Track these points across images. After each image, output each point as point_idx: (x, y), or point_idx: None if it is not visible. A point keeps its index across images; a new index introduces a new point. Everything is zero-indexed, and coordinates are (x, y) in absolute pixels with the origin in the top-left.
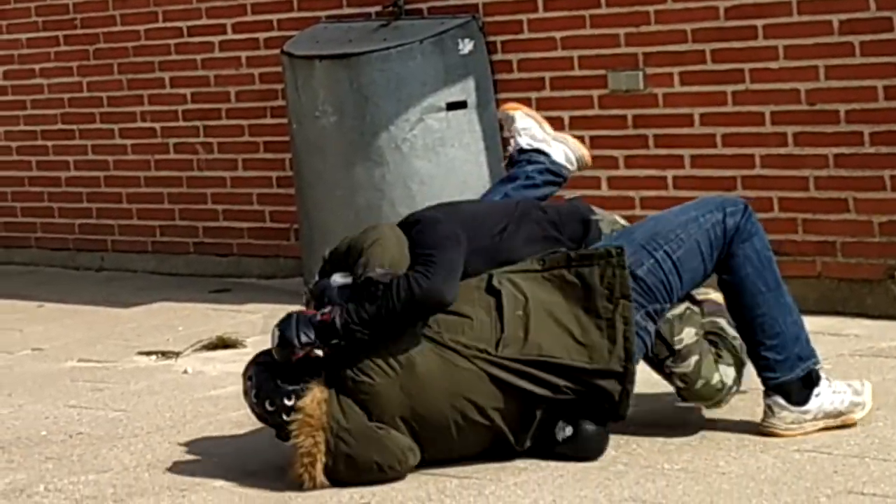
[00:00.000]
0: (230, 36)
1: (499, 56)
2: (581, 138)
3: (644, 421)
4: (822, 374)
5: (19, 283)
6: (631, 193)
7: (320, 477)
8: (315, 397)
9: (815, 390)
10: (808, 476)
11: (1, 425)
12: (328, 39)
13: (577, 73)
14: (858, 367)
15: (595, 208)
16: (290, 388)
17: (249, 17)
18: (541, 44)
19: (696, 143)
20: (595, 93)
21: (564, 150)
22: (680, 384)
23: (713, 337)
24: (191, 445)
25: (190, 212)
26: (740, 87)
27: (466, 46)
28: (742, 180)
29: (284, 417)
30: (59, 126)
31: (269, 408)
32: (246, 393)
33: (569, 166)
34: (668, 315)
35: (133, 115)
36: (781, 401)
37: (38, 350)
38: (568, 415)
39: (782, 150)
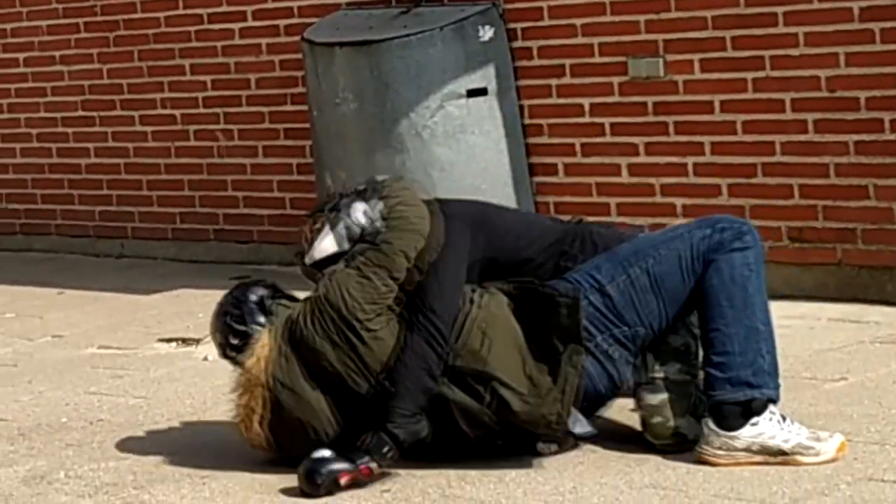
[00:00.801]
0: (250, 23)
1: (519, 43)
2: (601, 125)
3: None
4: (774, 411)
5: (39, 270)
6: (651, 180)
7: (256, 428)
8: (258, 356)
9: (754, 419)
10: (829, 463)
11: (21, 412)
12: (348, 26)
13: (597, 59)
14: (879, 354)
15: None
16: (239, 328)
17: (270, 5)
18: (561, 31)
19: (717, 130)
20: (615, 80)
21: None
22: (641, 412)
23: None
24: (211, 432)
25: (210, 199)
26: (761, 74)
27: (487, 33)
28: (762, 167)
29: (229, 354)
30: (80, 113)
31: (219, 339)
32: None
33: None
34: (667, 343)
35: (153, 102)
36: (711, 423)
37: (59, 337)
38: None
39: (803, 137)
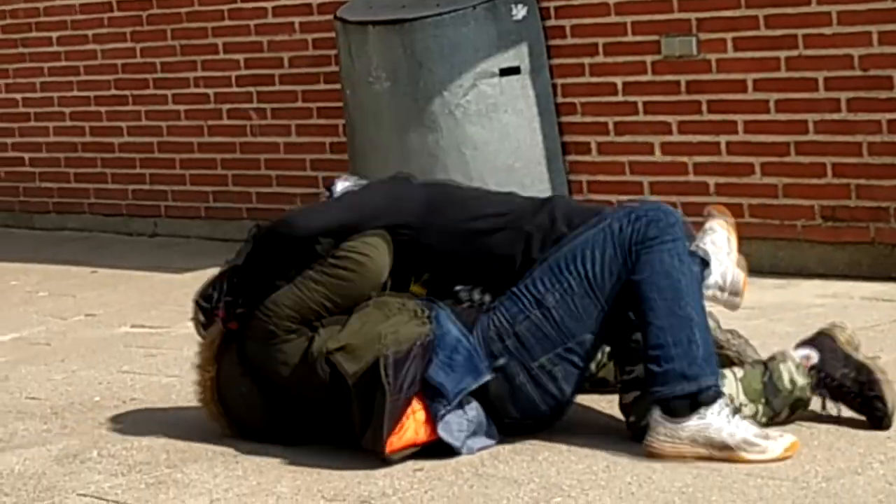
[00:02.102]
0: (283, 2)
1: (552, 22)
2: (634, 104)
3: None
4: (721, 404)
5: (73, 249)
6: (684, 159)
7: (213, 407)
8: (212, 337)
9: (701, 411)
10: (861, 442)
11: (54, 391)
12: (382, 5)
13: (630, 38)
14: None
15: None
16: (203, 304)
17: None
18: (594, 9)
19: (750, 108)
20: (648, 58)
21: (725, 271)
22: (622, 410)
23: None
24: None
25: (243, 178)
26: (794, 52)
27: (520, 12)
28: (795, 146)
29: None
30: (113, 92)
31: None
32: None
33: (716, 289)
34: (636, 342)
35: (186, 81)
36: (657, 412)
37: (92, 316)
38: None
39: (836, 116)
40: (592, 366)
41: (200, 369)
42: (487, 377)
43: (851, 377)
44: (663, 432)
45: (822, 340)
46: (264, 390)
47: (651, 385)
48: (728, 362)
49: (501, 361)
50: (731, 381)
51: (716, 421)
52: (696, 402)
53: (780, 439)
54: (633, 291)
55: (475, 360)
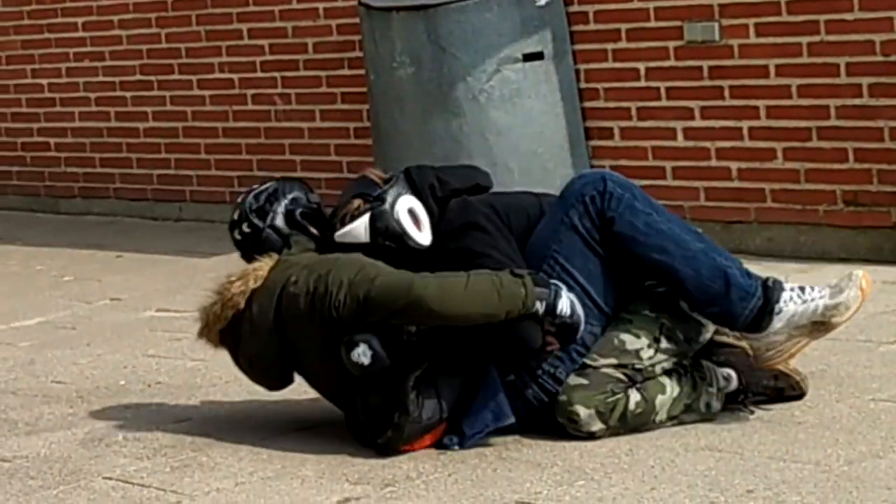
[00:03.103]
0: None
1: (575, 7)
2: (657, 89)
3: None
4: (788, 292)
5: (98, 234)
6: (706, 144)
7: (215, 336)
8: (245, 282)
9: (776, 309)
10: (883, 425)
11: (80, 375)
12: None
13: (652, 24)
14: None
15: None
16: (255, 221)
17: None
18: None
19: (772, 94)
20: (671, 44)
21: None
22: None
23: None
24: (269, 395)
25: (268, 162)
26: (815, 38)
27: None
28: (817, 131)
29: (233, 236)
30: (138, 77)
31: (233, 216)
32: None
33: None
34: (621, 341)
35: (211, 67)
36: (749, 335)
37: (117, 300)
38: None
39: (857, 101)
40: None
41: (218, 305)
42: (511, 420)
43: (771, 386)
44: (763, 348)
45: (737, 360)
46: (283, 355)
47: (729, 326)
48: (743, 353)
49: (510, 378)
50: (666, 398)
51: (794, 308)
52: (769, 307)
53: (851, 284)
54: (638, 267)
55: (500, 400)
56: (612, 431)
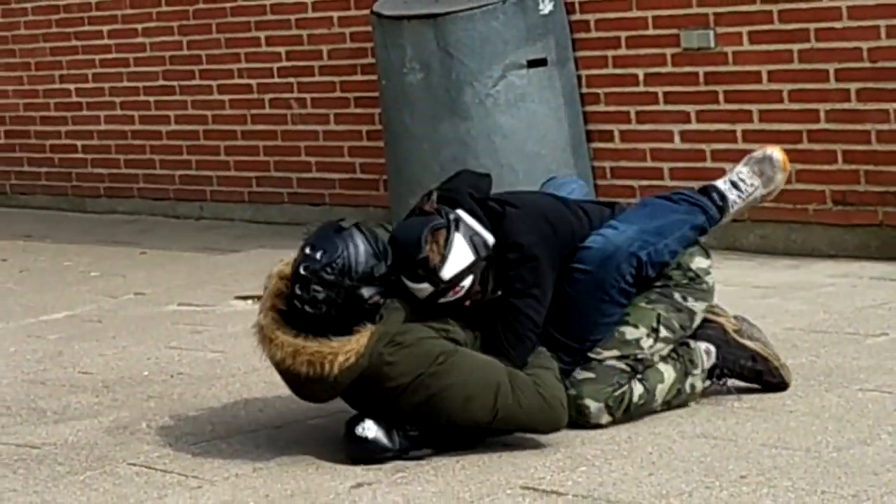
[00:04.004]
0: None
1: (577, 16)
2: (655, 94)
3: None
4: (727, 200)
5: (123, 231)
6: (702, 146)
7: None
8: (344, 356)
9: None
10: (870, 414)
11: (105, 366)
12: (415, 0)
13: (651, 32)
14: None
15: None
16: (329, 278)
17: None
18: (617, 4)
19: (764, 98)
20: (668, 51)
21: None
22: (566, 379)
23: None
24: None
25: (285, 163)
26: (806, 45)
27: (547, 7)
28: (807, 134)
29: (297, 293)
30: (161, 82)
31: (301, 273)
32: None
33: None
34: (621, 333)
35: (231, 73)
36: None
37: (141, 294)
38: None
39: (846, 106)
40: None
41: (331, 372)
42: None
43: (749, 367)
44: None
45: (714, 334)
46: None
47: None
48: (721, 329)
49: None
50: (665, 385)
51: (739, 206)
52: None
53: (775, 169)
54: None
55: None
56: (616, 422)
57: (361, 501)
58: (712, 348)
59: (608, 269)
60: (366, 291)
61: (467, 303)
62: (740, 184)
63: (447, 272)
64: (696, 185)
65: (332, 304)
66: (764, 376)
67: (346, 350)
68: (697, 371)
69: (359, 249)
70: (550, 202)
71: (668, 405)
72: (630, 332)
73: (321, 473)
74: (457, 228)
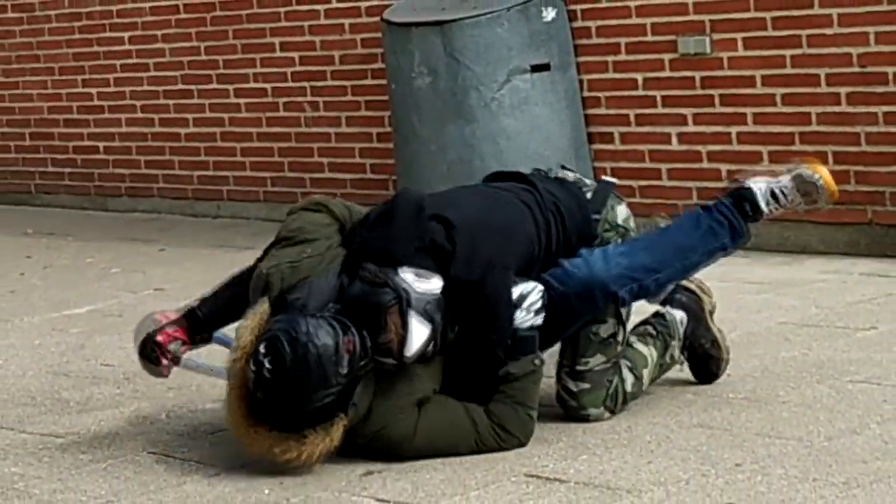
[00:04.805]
0: (335, 5)
1: (579, 23)
2: (653, 98)
3: None
4: (759, 199)
5: (143, 230)
6: (699, 148)
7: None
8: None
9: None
10: (860, 404)
11: (126, 358)
12: (423, 7)
13: (649, 38)
14: None
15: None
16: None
17: None
18: (617, 12)
19: (758, 102)
20: (666, 56)
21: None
22: (562, 392)
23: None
24: None
25: (298, 164)
26: (798, 51)
27: (549, 14)
28: (800, 136)
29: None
30: (180, 86)
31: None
32: None
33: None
34: (595, 334)
35: (247, 77)
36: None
37: (160, 290)
38: None
39: (836, 109)
40: None
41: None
42: None
43: (706, 348)
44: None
45: (691, 305)
46: None
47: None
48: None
49: None
50: (650, 367)
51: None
52: (754, 216)
53: (819, 194)
54: None
55: None
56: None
57: (372, 488)
58: (685, 316)
59: (583, 301)
60: (329, 394)
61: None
62: (780, 197)
63: (409, 351)
64: (693, 185)
65: (297, 412)
66: (710, 365)
67: (323, 444)
68: (675, 341)
69: (318, 351)
70: (498, 215)
71: (654, 381)
72: (603, 329)
73: (332, 461)
74: (409, 304)
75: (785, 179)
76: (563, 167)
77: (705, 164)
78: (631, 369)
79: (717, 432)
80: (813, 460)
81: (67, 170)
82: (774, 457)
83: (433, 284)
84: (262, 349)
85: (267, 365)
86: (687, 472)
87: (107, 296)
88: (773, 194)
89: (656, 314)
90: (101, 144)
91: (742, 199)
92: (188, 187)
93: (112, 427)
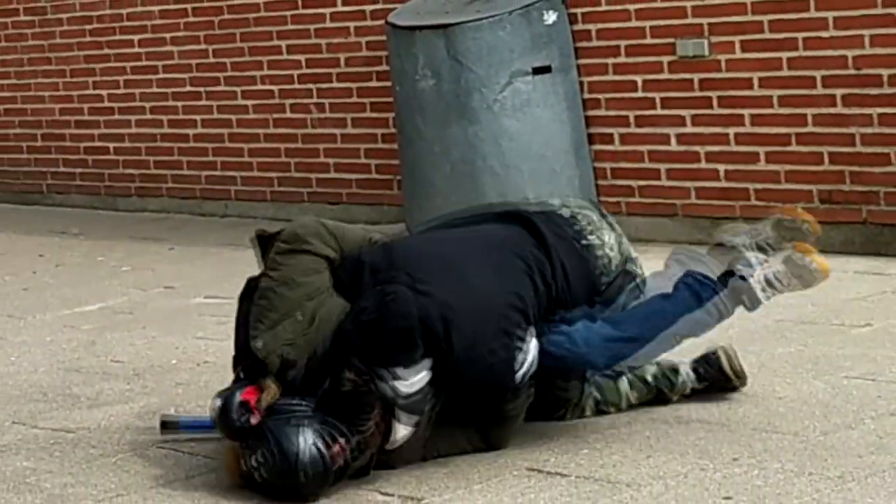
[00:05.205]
0: (340, 8)
1: (579, 26)
2: (652, 100)
3: None
4: (755, 287)
5: (152, 228)
6: (697, 148)
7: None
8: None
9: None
10: (855, 400)
11: (136, 355)
12: (427, 11)
13: (649, 41)
14: None
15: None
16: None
17: None
18: (617, 15)
19: (756, 103)
20: (665, 59)
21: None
22: (557, 392)
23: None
24: None
25: (304, 164)
26: (794, 53)
27: (551, 17)
28: (796, 137)
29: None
30: (188, 88)
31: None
32: None
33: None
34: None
35: (254, 79)
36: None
37: (170, 288)
38: None
39: (832, 110)
40: None
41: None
42: None
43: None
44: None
45: (710, 366)
46: None
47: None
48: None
49: None
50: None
51: (764, 296)
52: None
53: (814, 278)
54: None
55: None
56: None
57: (376, 482)
58: (697, 383)
59: (566, 369)
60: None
61: None
62: (776, 283)
63: (392, 446)
64: (691, 185)
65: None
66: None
67: None
68: (673, 395)
69: (308, 470)
70: (494, 290)
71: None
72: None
73: None
74: (395, 406)
75: (777, 265)
76: (567, 202)
77: (704, 165)
78: (598, 402)
79: (715, 427)
80: (809, 455)
81: (78, 170)
82: (771, 451)
83: (421, 377)
84: (253, 463)
85: (263, 473)
86: (685, 466)
87: (117, 293)
88: (768, 282)
89: (672, 367)
90: (111, 145)
91: (739, 291)
92: (196, 187)
93: (122, 422)
